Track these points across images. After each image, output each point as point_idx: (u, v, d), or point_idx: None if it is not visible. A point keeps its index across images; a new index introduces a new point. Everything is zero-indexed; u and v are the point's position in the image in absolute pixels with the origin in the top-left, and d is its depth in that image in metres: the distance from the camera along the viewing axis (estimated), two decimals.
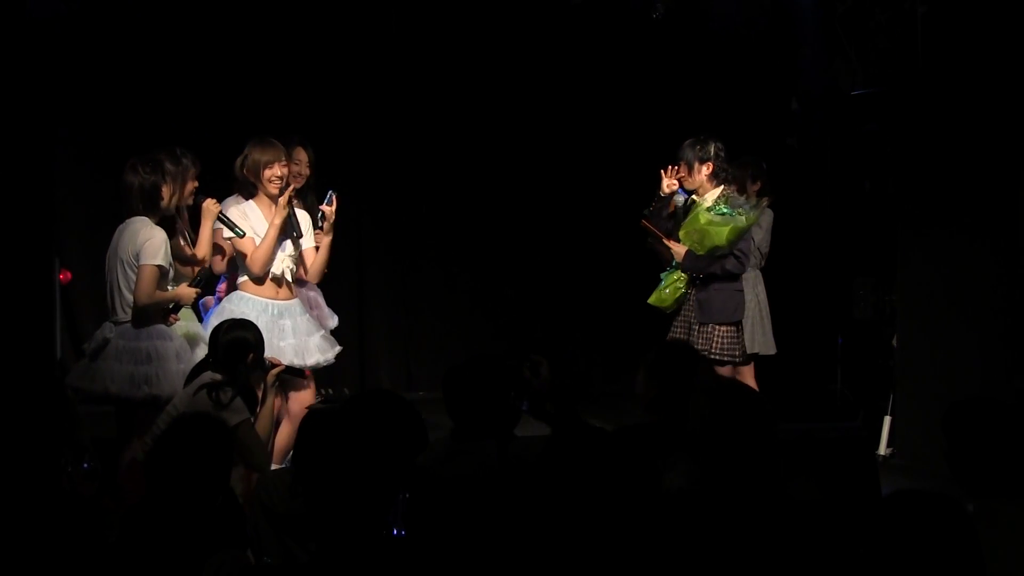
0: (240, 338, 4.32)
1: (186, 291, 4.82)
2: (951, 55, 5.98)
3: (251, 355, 4.30)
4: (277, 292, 5.09)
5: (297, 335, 5.08)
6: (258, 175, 5.08)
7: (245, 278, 5.08)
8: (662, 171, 5.63)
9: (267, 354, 4.82)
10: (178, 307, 4.84)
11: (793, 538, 2.67)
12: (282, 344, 4.99)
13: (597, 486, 2.42)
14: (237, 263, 5.13)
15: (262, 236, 5.05)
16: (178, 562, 2.81)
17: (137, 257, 4.64)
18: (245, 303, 5.00)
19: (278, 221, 5.04)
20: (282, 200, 5.06)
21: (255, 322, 4.76)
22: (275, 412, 4.77)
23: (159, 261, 4.64)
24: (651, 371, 3.71)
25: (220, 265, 5.31)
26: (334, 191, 5.35)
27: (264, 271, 5.05)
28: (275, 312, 5.05)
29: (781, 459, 3.12)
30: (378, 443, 2.46)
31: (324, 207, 5.30)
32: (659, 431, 3.47)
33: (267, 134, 5.23)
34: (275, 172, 5.07)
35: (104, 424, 5.23)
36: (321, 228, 5.33)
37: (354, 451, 2.44)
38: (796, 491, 3.18)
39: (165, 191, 4.78)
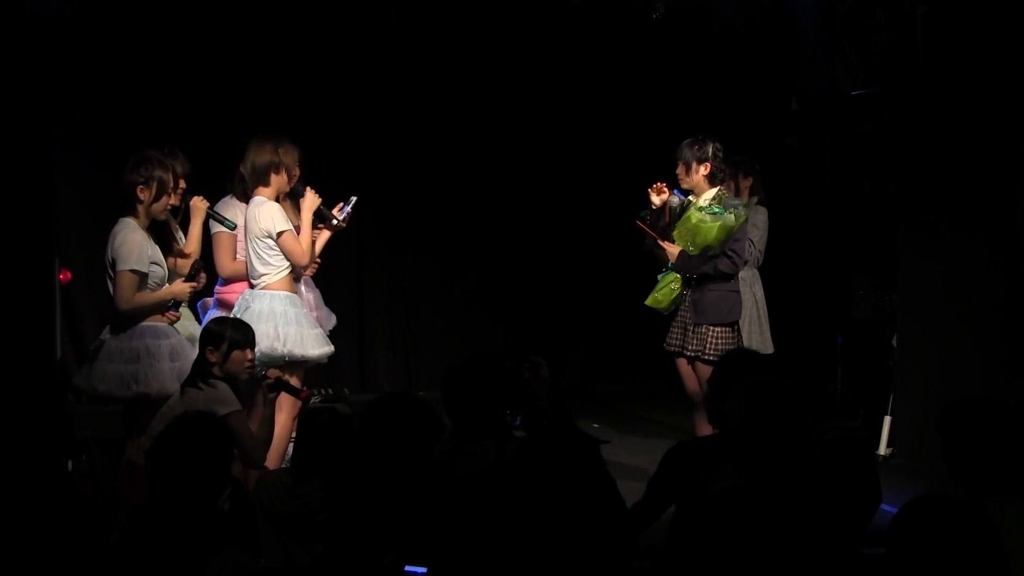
0: (209, 330, 4.33)
1: (180, 287, 4.78)
2: (951, 55, 5.98)
3: (210, 348, 4.28)
4: (292, 285, 5.12)
5: (313, 324, 5.17)
6: (291, 174, 5.14)
7: (266, 275, 5.05)
8: (649, 190, 5.66)
9: (298, 343, 4.90)
10: (177, 304, 4.81)
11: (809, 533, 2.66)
12: (315, 332, 5.09)
13: (560, 492, 2.44)
14: (264, 261, 5.08)
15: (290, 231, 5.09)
16: (183, 561, 2.80)
17: (114, 263, 4.63)
18: (276, 300, 5.00)
19: (311, 210, 5.13)
20: (310, 193, 5.14)
21: (285, 315, 4.90)
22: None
23: (132, 266, 4.59)
24: (712, 381, 3.73)
25: (230, 268, 5.30)
26: (357, 198, 5.39)
27: (308, 260, 5.14)
28: (300, 304, 5.11)
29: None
30: (395, 444, 2.47)
31: (348, 210, 5.33)
32: (714, 443, 3.48)
33: (264, 133, 5.23)
34: (297, 172, 5.18)
35: (107, 424, 5.24)
36: (335, 223, 5.36)
37: (369, 452, 2.45)
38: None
39: (143, 194, 4.69)
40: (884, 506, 3.92)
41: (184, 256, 4.96)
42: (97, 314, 6.36)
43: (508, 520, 2.50)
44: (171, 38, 7.20)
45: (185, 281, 4.80)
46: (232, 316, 4.77)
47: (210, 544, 2.81)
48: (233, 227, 5.11)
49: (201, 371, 4.22)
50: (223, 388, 4.16)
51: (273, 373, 4.46)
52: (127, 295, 4.61)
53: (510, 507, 2.49)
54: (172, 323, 4.80)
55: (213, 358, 4.22)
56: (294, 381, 4.84)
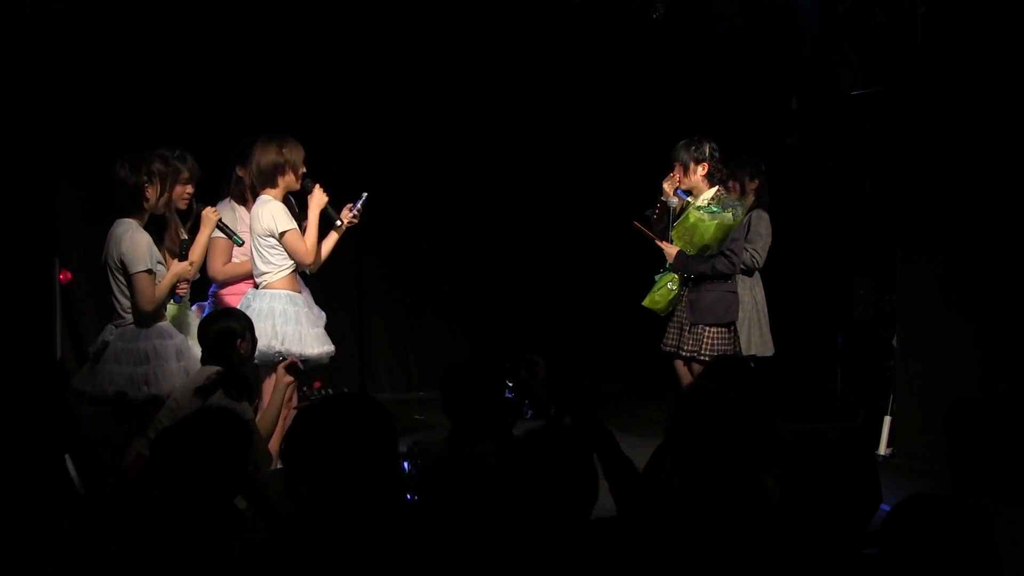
0: (227, 327, 4.32)
1: (182, 267, 4.81)
2: (951, 55, 5.98)
3: (239, 341, 4.29)
4: (295, 284, 5.11)
5: (313, 323, 5.18)
6: (296, 173, 5.11)
7: (267, 274, 5.06)
8: (665, 183, 5.66)
9: (296, 342, 4.92)
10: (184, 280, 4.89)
11: (780, 537, 2.68)
12: (315, 331, 5.09)
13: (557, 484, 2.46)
14: (266, 260, 5.05)
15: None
16: (202, 555, 2.79)
17: (123, 264, 4.64)
18: (276, 299, 5.01)
19: (319, 208, 5.12)
20: (318, 192, 5.13)
21: (284, 313, 4.91)
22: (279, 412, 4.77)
23: (147, 266, 4.63)
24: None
25: (223, 272, 5.31)
26: (367, 194, 5.37)
27: (315, 259, 5.12)
28: (301, 303, 5.10)
29: (779, 459, 3.12)
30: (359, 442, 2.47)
31: (359, 207, 5.31)
32: None
33: (265, 132, 5.22)
34: (303, 169, 5.16)
35: (106, 424, 5.23)
36: (340, 225, 5.33)
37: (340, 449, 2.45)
38: (798, 491, 3.19)
39: (150, 192, 4.73)
40: (884, 506, 3.92)
41: (173, 255, 4.96)
42: (97, 314, 6.35)
43: (508, 519, 2.50)
44: (171, 38, 7.20)
45: (180, 260, 4.84)
46: (218, 310, 4.80)
47: (228, 538, 2.80)
48: (240, 243, 5.12)
49: (234, 378, 4.20)
50: (245, 406, 4.16)
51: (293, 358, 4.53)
52: (149, 295, 4.65)
53: (511, 503, 2.50)
54: (184, 295, 4.91)
55: (236, 357, 4.26)
56: (289, 380, 4.88)
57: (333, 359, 5.34)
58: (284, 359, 4.80)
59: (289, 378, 4.46)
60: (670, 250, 5.67)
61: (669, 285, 5.73)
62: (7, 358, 4.75)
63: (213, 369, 4.23)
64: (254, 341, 4.41)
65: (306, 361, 5.04)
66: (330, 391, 6.86)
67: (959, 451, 2.88)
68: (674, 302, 5.75)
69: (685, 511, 2.72)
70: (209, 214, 5.00)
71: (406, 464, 3.95)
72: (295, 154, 5.10)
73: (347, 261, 7.58)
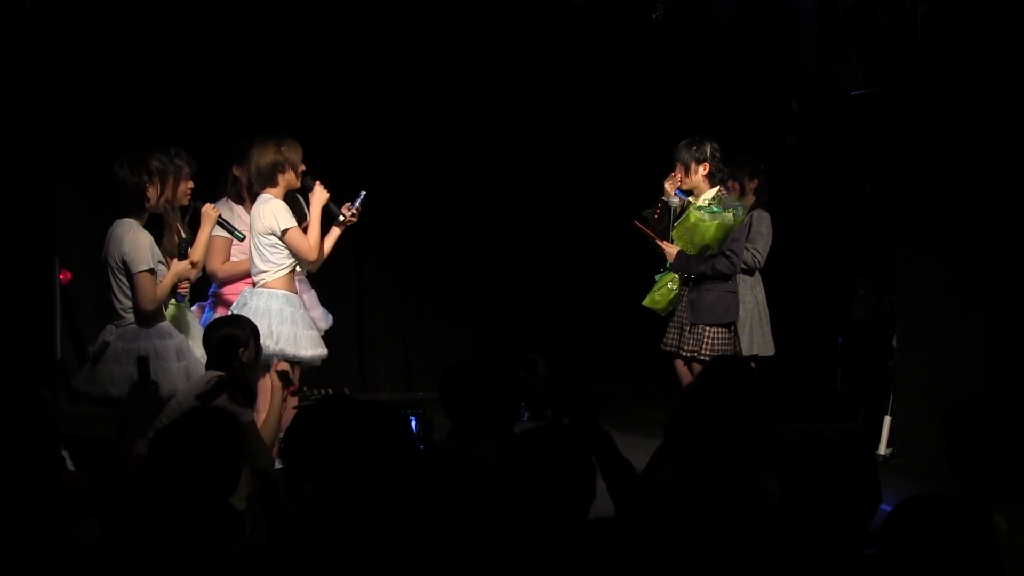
0: (231, 334, 4.31)
1: (182, 266, 4.81)
2: (951, 55, 5.98)
3: (242, 349, 4.29)
4: (292, 284, 5.11)
5: (308, 325, 5.17)
6: (296, 170, 5.13)
7: (266, 272, 5.06)
8: (666, 183, 5.66)
9: (291, 343, 4.91)
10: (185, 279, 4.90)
11: (780, 537, 2.68)
12: (310, 333, 5.08)
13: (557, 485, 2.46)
14: (264, 259, 5.06)
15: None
16: (198, 556, 2.79)
17: (125, 265, 4.63)
18: (273, 298, 5.01)
19: (320, 204, 5.15)
20: (319, 188, 5.15)
21: (280, 313, 4.90)
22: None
23: (149, 265, 4.63)
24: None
25: (223, 271, 5.31)
26: (366, 192, 5.36)
27: (318, 256, 5.12)
28: (298, 304, 5.10)
29: (779, 459, 3.13)
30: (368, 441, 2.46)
31: (357, 206, 5.31)
32: None
33: (265, 132, 5.22)
34: (302, 167, 5.18)
35: (106, 424, 5.23)
36: (342, 220, 5.33)
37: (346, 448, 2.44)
38: (798, 491, 3.19)
39: (151, 192, 4.73)
40: (884, 506, 3.92)
41: (172, 255, 4.96)
42: (97, 314, 6.36)
43: (507, 519, 2.50)
44: (171, 38, 7.21)
45: (180, 260, 4.84)
46: (223, 317, 4.78)
47: (225, 539, 2.80)
48: (242, 238, 5.12)
49: (237, 384, 4.19)
50: (248, 412, 4.16)
51: (282, 366, 4.49)
52: (151, 295, 4.64)
53: (509, 503, 2.50)
54: (185, 295, 4.92)
55: (238, 363, 4.23)
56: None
57: (333, 359, 5.35)
58: (278, 360, 4.81)
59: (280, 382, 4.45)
60: (670, 250, 5.67)
61: (669, 285, 5.74)
62: (7, 358, 4.75)
63: (216, 374, 4.23)
64: (258, 348, 4.37)
65: (298, 362, 5.05)
66: (330, 391, 6.87)
67: (959, 451, 2.88)
68: (674, 302, 5.75)
69: (684, 511, 2.72)
70: (209, 211, 5.01)
71: (413, 419, 4.02)
72: (293, 152, 5.11)
73: (347, 261, 7.58)
